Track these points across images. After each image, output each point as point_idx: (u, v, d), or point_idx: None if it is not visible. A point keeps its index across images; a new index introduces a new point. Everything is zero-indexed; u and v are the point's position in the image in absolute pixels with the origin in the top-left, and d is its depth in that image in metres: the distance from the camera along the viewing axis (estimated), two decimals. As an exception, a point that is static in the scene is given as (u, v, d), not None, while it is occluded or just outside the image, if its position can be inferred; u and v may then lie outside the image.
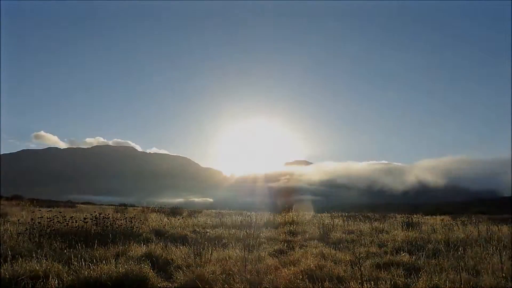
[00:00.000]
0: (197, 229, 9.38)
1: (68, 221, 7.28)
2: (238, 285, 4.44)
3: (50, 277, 4.33)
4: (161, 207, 18.46)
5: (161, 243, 6.99)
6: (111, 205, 30.57)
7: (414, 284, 4.50)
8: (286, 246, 7.25)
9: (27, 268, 4.51)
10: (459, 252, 6.18)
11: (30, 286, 4.15)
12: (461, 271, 4.66)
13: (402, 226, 10.60)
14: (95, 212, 9.46)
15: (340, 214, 17.45)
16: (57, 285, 4.20)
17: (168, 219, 12.49)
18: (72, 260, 5.03)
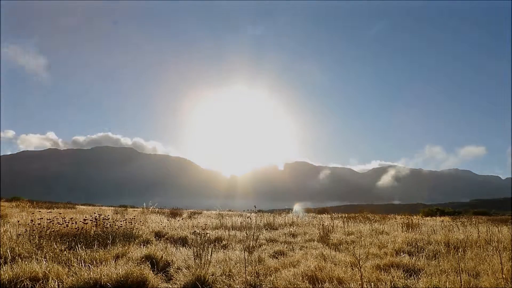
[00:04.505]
0: (197, 231, 9.37)
1: (68, 222, 7.28)
2: (238, 286, 4.44)
3: (50, 279, 4.33)
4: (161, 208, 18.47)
5: (161, 245, 6.99)
6: (111, 206, 30.54)
7: (414, 285, 4.50)
8: (286, 247, 7.25)
9: (27, 269, 4.50)
10: (459, 254, 6.18)
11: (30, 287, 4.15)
12: (461, 272, 4.66)
13: (402, 227, 10.60)
14: (94, 213, 9.47)
15: (340, 215, 17.45)
16: (57, 286, 4.20)
17: (168, 220, 12.50)
18: (72, 262, 5.03)
